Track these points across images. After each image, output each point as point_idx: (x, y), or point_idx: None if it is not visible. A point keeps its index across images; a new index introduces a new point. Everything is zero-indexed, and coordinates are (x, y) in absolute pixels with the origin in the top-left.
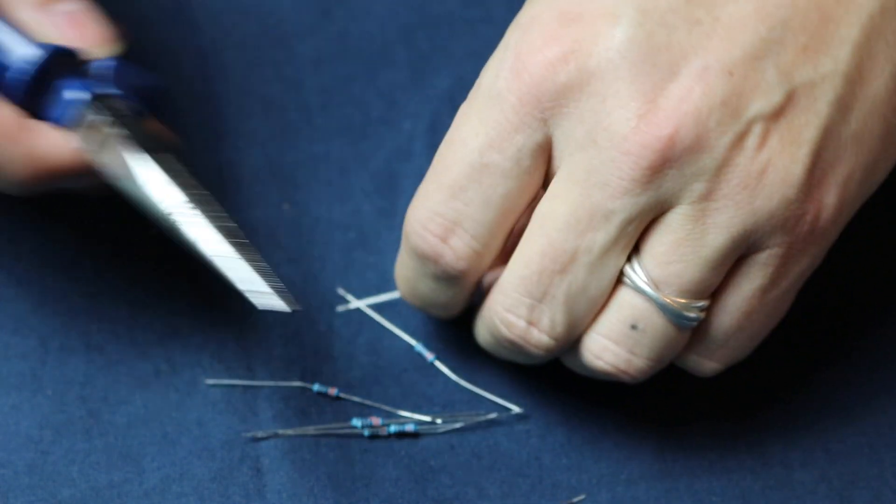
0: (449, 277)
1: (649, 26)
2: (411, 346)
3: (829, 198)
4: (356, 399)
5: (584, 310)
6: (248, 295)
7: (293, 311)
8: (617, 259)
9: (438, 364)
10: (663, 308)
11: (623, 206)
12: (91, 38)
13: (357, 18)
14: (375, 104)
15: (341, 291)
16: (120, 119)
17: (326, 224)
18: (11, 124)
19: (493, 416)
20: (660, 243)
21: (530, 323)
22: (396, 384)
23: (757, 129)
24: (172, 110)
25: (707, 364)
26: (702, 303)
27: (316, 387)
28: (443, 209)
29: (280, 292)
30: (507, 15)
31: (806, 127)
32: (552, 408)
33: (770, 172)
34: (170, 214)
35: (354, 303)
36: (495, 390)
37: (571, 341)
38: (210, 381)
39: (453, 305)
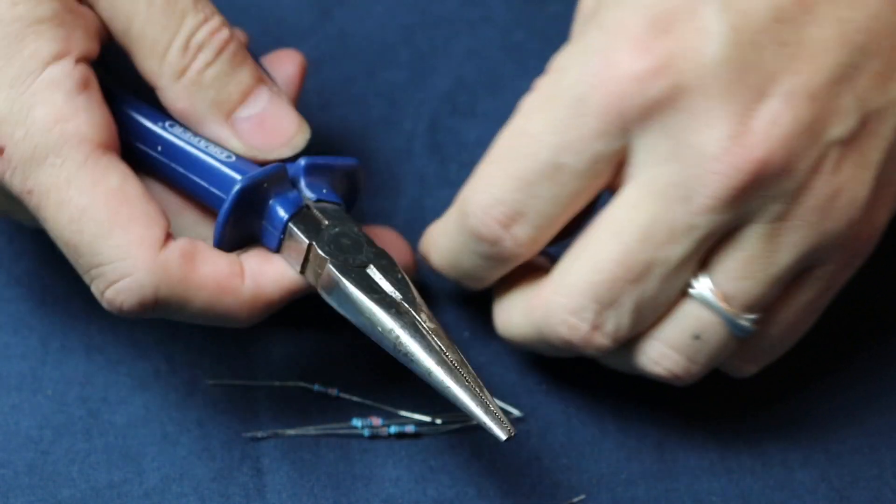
0: (502, 260)
1: (741, 45)
2: None
3: (882, 216)
4: (356, 399)
5: (649, 318)
6: (466, 412)
7: (507, 439)
8: (688, 272)
9: None
10: (729, 321)
11: (704, 222)
12: (277, 139)
13: (357, 18)
14: (375, 104)
15: None
16: (321, 231)
17: None
18: (225, 276)
19: None
20: (731, 259)
21: (594, 327)
22: (396, 384)
23: (833, 154)
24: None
25: (747, 367)
26: (759, 314)
27: (316, 387)
28: (508, 198)
29: (494, 419)
30: (507, 15)
31: (873, 151)
32: (552, 408)
33: (841, 195)
34: (388, 334)
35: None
36: (495, 391)
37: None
38: (210, 381)
39: (488, 281)
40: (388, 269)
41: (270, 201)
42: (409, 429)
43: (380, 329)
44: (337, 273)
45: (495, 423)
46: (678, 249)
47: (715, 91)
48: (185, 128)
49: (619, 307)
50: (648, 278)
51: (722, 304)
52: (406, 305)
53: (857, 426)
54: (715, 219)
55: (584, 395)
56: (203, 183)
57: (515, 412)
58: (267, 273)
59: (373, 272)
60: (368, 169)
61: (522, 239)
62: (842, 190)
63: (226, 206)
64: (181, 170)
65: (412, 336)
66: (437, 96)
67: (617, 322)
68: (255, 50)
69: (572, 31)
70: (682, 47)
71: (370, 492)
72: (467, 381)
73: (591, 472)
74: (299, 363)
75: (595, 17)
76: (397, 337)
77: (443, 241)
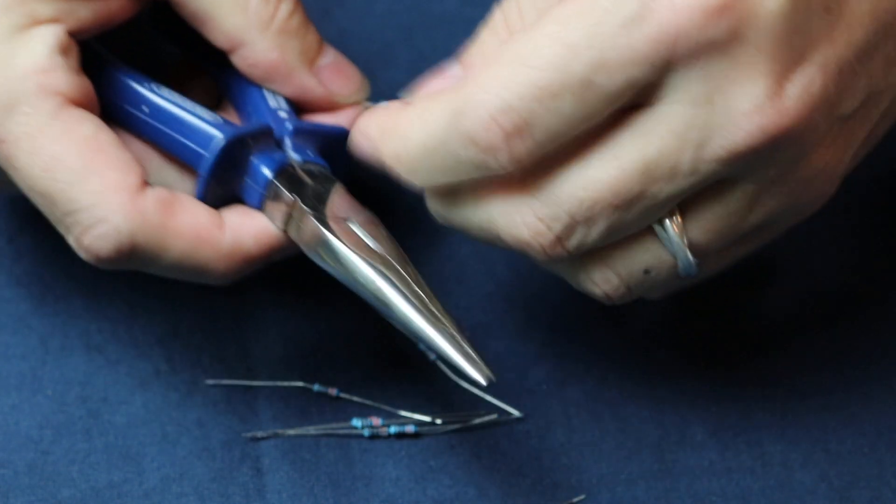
0: (483, 170)
1: (798, 4)
2: (412, 346)
3: (833, 191)
4: (356, 399)
5: (612, 242)
6: (446, 358)
7: (488, 384)
8: (665, 211)
9: (439, 364)
10: (683, 264)
11: (707, 170)
12: (353, 84)
13: (357, 18)
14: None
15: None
16: (305, 188)
17: None
18: (204, 226)
19: (493, 416)
20: (708, 211)
21: (558, 238)
22: (396, 384)
23: (835, 130)
24: None
25: (658, 294)
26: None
27: (316, 387)
28: (520, 106)
29: (473, 363)
30: None
31: (858, 131)
32: (552, 408)
33: (826, 170)
34: (368, 284)
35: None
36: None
37: None
38: (210, 381)
39: (447, 184)
40: (373, 226)
41: (254, 159)
42: (409, 429)
43: (361, 279)
44: (320, 227)
45: (473, 368)
46: (670, 189)
47: (765, 45)
48: (172, 90)
49: (591, 227)
50: (631, 209)
51: (685, 250)
52: (390, 260)
53: (857, 426)
54: (718, 169)
55: (584, 395)
56: (189, 143)
57: (515, 412)
58: (247, 227)
59: (356, 228)
60: (368, 169)
61: (518, 154)
62: (828, 165)
63: (209, 158)
64: (167, 130)
65: (392, 286)
66: None
67: (582, 240)
68: None
69: None
70: None
71: (370, 492)
72: (447, 328)
73: (591, 472)
74: (299, 363)
75: None
76: (378, 288)
77: (417, 134)
